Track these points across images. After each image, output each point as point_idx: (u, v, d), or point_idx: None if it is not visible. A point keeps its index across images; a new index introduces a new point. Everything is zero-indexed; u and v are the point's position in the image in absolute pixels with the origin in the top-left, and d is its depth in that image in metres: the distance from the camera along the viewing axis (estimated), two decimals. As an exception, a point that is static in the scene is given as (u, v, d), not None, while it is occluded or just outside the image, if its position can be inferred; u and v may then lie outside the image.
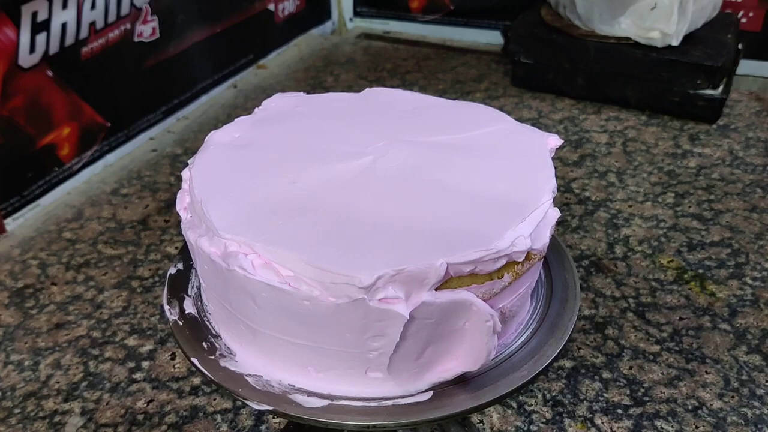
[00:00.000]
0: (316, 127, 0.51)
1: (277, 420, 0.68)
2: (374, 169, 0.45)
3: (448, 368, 0.40)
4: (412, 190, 0.43)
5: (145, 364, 0.76)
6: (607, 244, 0.93)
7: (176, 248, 0.95)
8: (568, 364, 0.74)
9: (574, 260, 0.56)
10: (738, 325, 0.79)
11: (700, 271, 0.87)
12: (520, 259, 0.39)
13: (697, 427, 0.67)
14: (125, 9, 1.13)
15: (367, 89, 0.56)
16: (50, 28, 1.00)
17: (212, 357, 0.43)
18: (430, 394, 0.40)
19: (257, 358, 0.42)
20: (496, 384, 0.41)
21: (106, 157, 1.16)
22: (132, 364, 0.76)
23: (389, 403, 0.40)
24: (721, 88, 1.21)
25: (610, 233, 0.95)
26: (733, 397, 0.70)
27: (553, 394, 0.71)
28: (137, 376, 0.75)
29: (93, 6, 1.06)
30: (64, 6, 1.01)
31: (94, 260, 0.94)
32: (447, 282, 0.37)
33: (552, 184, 0.43)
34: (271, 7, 1.51)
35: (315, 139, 0.49)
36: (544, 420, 0.68)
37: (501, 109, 1.30)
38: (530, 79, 1.37)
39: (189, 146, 1.22)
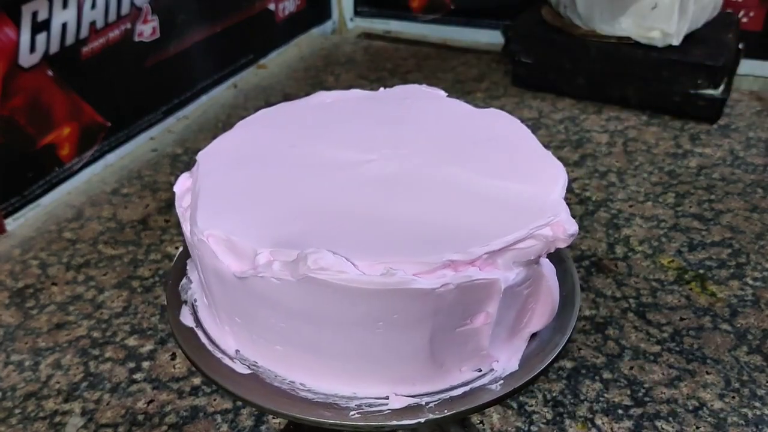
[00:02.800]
0: (326, 128, 0.51)
1: (277, 420, 0.68)
2: (391, 170, 0.45)
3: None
4: (439, 190, 0.43)
5: (145, 364, 0.76)
6: (607, 244, 0.93)
7: (176, 248, 0.95)
8: (568, 364, 0.74)
9: (575, 260, 0.56)
10: (739, 325, 0.79)
11: (701, 271, 0.87)
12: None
13: (697, 428, 0.67)
14: (125, 9, 1.12)
15: (392, 88, 0.56)
16: (50, 27, 1.00)
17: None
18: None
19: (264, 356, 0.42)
20: (497, 384, 0.41)
21: (107, 157, 1.16)
22: (132, 365, 0.76)
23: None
24: (721, 87, 1.21)
25: (611, 233, 0.95)
26: (733, 397, 0.70)
27: (554, 394, 0.71)
28: (137, 376, 0.75)
29: (93, 5, 1.06)
30: (65, 6, 1.01)
31: (94, 260, 0.94)
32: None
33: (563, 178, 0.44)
34: (272, 6, 1.50)
35: (323, 143, 0.49)
36: (545, 420, 0.68)
37: (501, 108, 1.31)
38: (531, 79, 1.37)
39: (189, 146, 1.22)
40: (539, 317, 0.43)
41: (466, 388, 0.41)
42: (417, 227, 0.39)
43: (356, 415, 0.39)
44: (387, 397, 0.40)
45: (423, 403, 0.40)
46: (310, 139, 0.49)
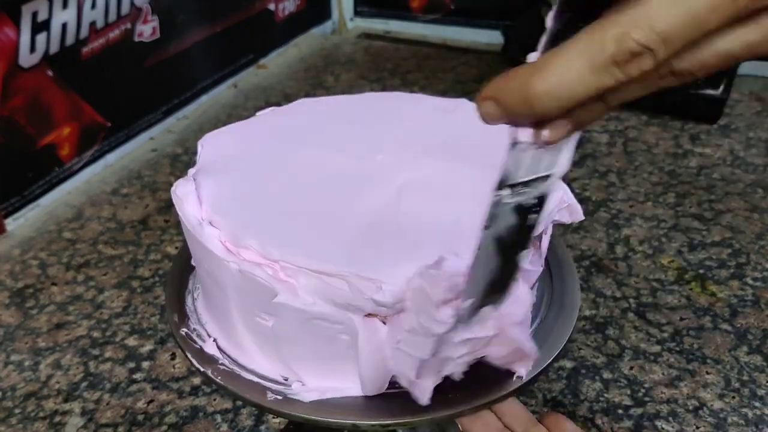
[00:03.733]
0: (324, 131, 0.51)
1: (277, 420, 0.68)
2: (392, 173, 0.45)
3: None
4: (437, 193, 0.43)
5: (145, 364, 0.76)
6: (607, 244, 0.93)
7: (176, 248, 0.95)
8: (568, 364, 0.74)
9: (575, 260, 0.56)
10: (739, 325, 0.79)
11: (701, 271, 0.87)
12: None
13: (697, 428, 0.67)
14: (125, 9, 1.12)
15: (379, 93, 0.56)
16: (50, 27, 1.00)
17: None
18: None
19: (263, 358, 0.42)
20: (497, 384, 0.41)
21: (107, 157, 1.16)
22: (132, 365, 0.76)
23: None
24: (721, 88, 1.21)
25: (611, 233, 0.95)
26: (733, 397, 0.70)
27: (554, 394, 0.71)
28: (137, 376, 0.75)
29: (93, 6, 1.06)
30: (65, 6, 1.01)
31: (94, 260, 0.94)
32: None
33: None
34: (272, 6, 1.50)
35: (322, 146, 0.49)
36: (545, 420, 0.68)
37: (501, 108, 1.31)
38: (531, 79, 1.36)
39: (189, 146, 1.22)
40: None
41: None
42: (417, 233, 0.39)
43: (355, 414, 0.39)
44: (386, 396, 0.40)
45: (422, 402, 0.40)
46: (298, 144, 0.49)
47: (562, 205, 0.42)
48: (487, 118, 0.25)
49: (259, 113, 0.53)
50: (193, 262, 0.46)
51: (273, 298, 0.36)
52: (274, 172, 0.45)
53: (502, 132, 0.52)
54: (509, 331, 0.36)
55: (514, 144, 0.26)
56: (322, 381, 0.40)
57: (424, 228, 0.39)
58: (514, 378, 0.41)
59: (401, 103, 0.54)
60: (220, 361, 0.42)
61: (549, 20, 0.25)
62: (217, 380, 0.41)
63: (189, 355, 0.42)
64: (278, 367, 0.41)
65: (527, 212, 0.27)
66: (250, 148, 0.48)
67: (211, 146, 0.47)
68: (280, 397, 0.39)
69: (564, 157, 0.26)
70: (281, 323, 0.38)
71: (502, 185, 0.27)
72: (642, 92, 0.23)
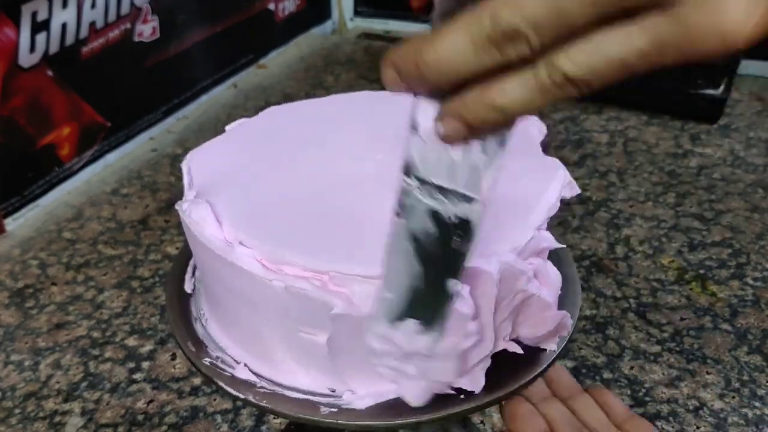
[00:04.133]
0: (320, 130, 0.51)
1: (277, 420, 0.68)
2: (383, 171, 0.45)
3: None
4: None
5: (145, 364, 0.76)
6: (607, 244, 0.93)
7: (176, 248, 0.95)
8: (569, 364, 0.74)
9: (575, 260, 0.56)
10: (739, 325, 0.79)
11: (701, 271, 0.87)
12: None
13: (698, 428, 0.67)
14: (125, 9, 1.12)
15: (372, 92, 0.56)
16: (50, 27, 1.00)
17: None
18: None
19: (258, 358, 0.42)
20: (496, 384, 0.41)
21: (106, 157, 1.16)
22: (132, 365, 0.76)
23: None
24: (721, 88, 1.21)
25: (611, 233, 0.95)
26: (733, 397, 0.70)
27: (554, 394, 0.71)
28: (137, 376, 0.75)
29: (93, 5, 1.06)
30: (64, 6, 1.01)
31: (94, 260, 0.94)
32: None
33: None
34: (272, 6, 1.50)
35: (317, 145, 0.49)
36: (545, 420, 0.68)
37: (501, 108, 1.31)
38: (531, 79, 1.36)
39: (189, 146, 1.22)
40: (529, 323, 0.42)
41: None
42: None
43: (413, 413, 0.39)
44: (385, 396, 0.40)
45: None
46: (291, 150, 0.49)
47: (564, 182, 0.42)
48: (388, 83, 0.25)
49: (228, 127, 0.52)
50: (195, 285, 0.45)
51: (327, 310, 0.36)
52: (276, 182, 0.45)
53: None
54: (543, 315, 0.38)
55: (414, 127, 0.26)
56: (373, 386, 0.40)
57: None
58: (546, 353, 0.41)
59: (373, 103, 0.54)
60: (258, 385, 0.41)
61: None
62: (263, 404, 0.40)
63: (223, 385, 0.42)
64: (324, 380, 0.41)
65: (449, 230, 0.26)
66: (241, 161, 0.47)
67: (198, 166, 0.46)
68: (334, 409, 0.39)
69: (485, 183, 0.25)
70: (337, 335, 0.37)
71: (407, 171, 0.26)
72: (542, 100, 0.22)
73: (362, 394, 0.41)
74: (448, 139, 0.25)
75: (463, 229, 0.27)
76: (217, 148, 0.49)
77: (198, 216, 0.40)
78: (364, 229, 0.39)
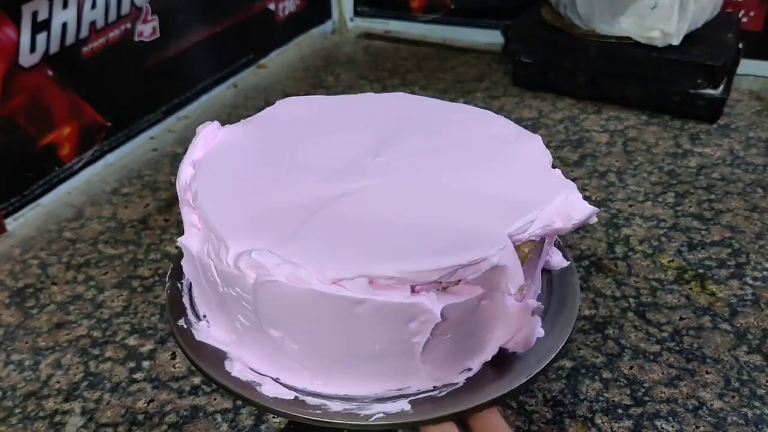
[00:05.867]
0: (316, 132, 0.51)
1: (277, 419, 0.68)
2: (381, 173, 0.45)
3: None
4: (429, 193, 0.43)
5: (145, 363, 0.76)
6: (607, 244, 0.93)
7: (176, 248, 0.95)
8: (568, 364, 0.74)
9: (575, 260, 0.56)
10: (738, 325, 0.79)
11: (701, 270, 0.87)
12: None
13: (697, 427, 0.67)
14: (125, 8, 1.13)
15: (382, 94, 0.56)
16: (50, 27, 1.00)
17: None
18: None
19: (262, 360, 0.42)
20: (497, 384, 0.41)
21: (107, 157, 1.16)
22: (132, 364, 0.76)
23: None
24: (721, 87, 1.21)
25: (611, 233, 0.95)
26: (733, 397, 0.70)
27: (554, 394, 0.71)
28: (137, 375, 0.75)
29: (93, 5, 1.06)
30: (65, 6, 1.01)
31: (94, 260, 0.94)
32: None
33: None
34: (272, 6, 1.51)
35: (312, 146, 0.49)
36: (545, 420, 0.68)
37: (502, 108, 1.31)
38: (531, 79, 1.37)
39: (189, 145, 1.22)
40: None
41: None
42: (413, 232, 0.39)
43: (354, 414, 0.39)
44: (384, 396, 0.40)
45: (423, 402, 0.40)
46: (296, 146, 0.49)
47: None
48: None
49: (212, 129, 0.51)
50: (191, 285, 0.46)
51: (409, 320, 0.36)
52: (282, 190, 0.45)
53: (500, 132, 0.52)
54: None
55: None
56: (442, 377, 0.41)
57: (447, 227, 0.39)
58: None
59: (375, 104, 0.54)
60: (259, 384, 0.42)
61: None
62: (263, 404, 0.40)
63: (223, 382, 0.42)
64: (386, 383, 0.41)
65: None
66: (242, 169, 0.47)
67: (204, 189, 0.46)
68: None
69: None
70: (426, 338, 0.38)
71: None
72: None
73: (363, 392, 0.41)
74: None
75: None
76: (207, 161, 0.49)
77: (240, 250, 0.38)
78: (386, 230, 0.39)
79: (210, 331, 0.45)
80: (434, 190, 0.43)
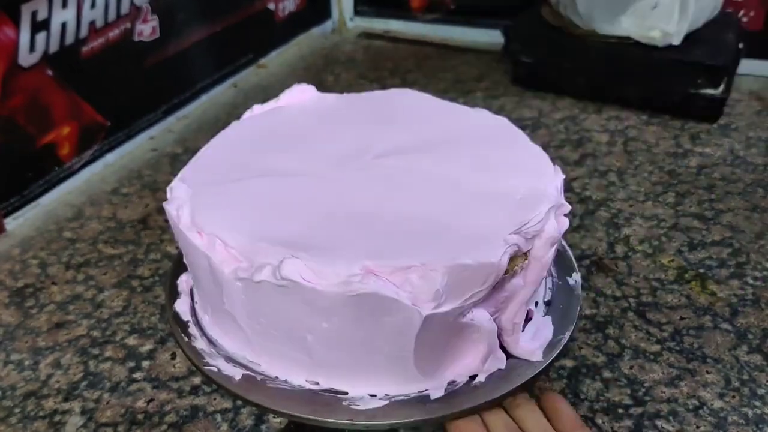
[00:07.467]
0: (312, 129, 0.51)
1: (277, 419, 0.68)
2: (379, 169, 0.45)
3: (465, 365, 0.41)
4: (425, 190, 0.43)
5: (145, 363, 0.76)
6: (607, 244, 0.93)
7: (176, 248, 0.95)
8: (569, 363, 0.74)
9: (575, 260, 0.56)
10: (739, 324, 0.79)
11: (701, 270, 0.87)
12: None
13: (698, 427, 0.67)
14: (125, 8, 1.12)
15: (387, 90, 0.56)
16: (50, 27, 1.00)
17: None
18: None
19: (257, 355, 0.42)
20: (497, 384, 0.41)
21: (106, 157, 1.16)
22: (132, 364, 0.76)
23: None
24: (721, 87, 1.21)
25: (611, 233, 0.95)
26: (734, 396, 0.70)
27: (554, 393, 0.71)
28: (137, 375, 0.75)
29: (93, 5, 1.06)
30: (64, 5, 1.01)
31: (94, 260, 0.94)
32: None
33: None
34: (272, 6, 1.50)
35: (308, 142, 0.49)
36: (545, 420, 0.68)
37: (502, 108, 1.31)
38: (531, 79, 1.37)
39: (189, 145, 1.22)
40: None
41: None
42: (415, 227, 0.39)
43: (355, 414, 0.39)
44: (385, 396, 0.40)
45: (422, 402, 0.40)
46: (294, 145, 0.49)
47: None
48: None
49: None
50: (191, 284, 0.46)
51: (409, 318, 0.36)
52: (282, 193, 0.45)
53: (500, 131, 0.52)
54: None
55: None
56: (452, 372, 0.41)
57: (448, 226, 0.39)
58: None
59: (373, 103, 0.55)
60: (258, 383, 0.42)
61: None
62: (263, 403, 0.40)
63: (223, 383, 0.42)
64: (386, 383, 0.41)
65: None
66: (232, 175, 0.47)
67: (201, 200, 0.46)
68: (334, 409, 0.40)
69: None
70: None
71: None
72: None
73: (363, 393, 0.41)
74: None
75: None
76: (199, 168, 0.49)
77: (266, 260, 0.38)
78: (388, 226, 0.39)
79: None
80: (434, 188, 0.43)
